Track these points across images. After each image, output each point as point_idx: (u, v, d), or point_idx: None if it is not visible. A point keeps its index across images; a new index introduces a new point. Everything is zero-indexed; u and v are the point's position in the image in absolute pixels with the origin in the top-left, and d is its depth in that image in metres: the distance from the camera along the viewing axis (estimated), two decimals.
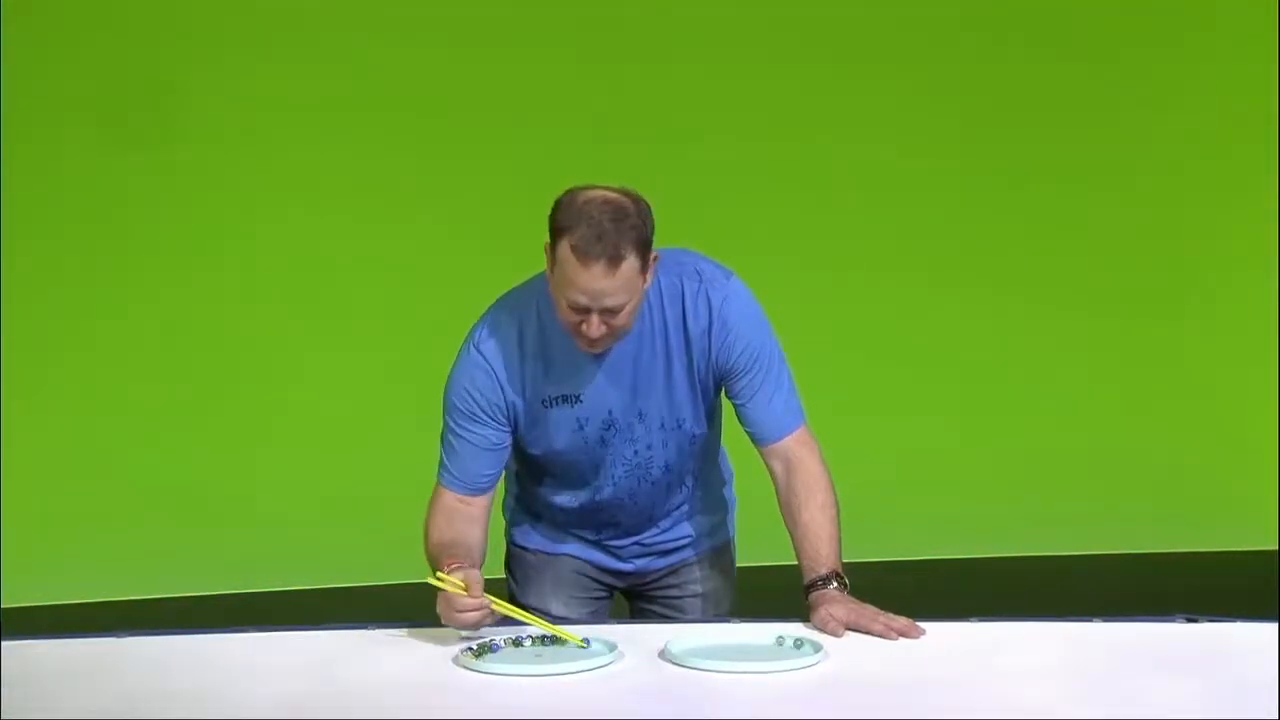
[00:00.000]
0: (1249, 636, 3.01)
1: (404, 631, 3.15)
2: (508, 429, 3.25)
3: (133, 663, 3.03)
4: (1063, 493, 6.91)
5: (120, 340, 6.55)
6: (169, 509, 6.45)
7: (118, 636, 3.16)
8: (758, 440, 3.31)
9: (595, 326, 3.07)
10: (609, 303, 3.05)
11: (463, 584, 3.02)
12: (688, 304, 3.23)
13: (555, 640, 3.03)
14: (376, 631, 3.17)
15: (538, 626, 3.07)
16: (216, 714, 2.76)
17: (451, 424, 3.26)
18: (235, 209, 6.60)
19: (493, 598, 3.04)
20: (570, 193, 3.08)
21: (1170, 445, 7.00)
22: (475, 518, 3.26)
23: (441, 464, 3.28)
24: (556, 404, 3.25)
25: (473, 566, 3.10)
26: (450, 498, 3.27)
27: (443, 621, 3.05)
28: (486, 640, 3.01)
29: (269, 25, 6.61)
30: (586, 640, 3.00)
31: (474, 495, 3.26)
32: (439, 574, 3.05)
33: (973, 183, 6.98)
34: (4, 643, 3.05)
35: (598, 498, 3.37)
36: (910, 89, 6.90)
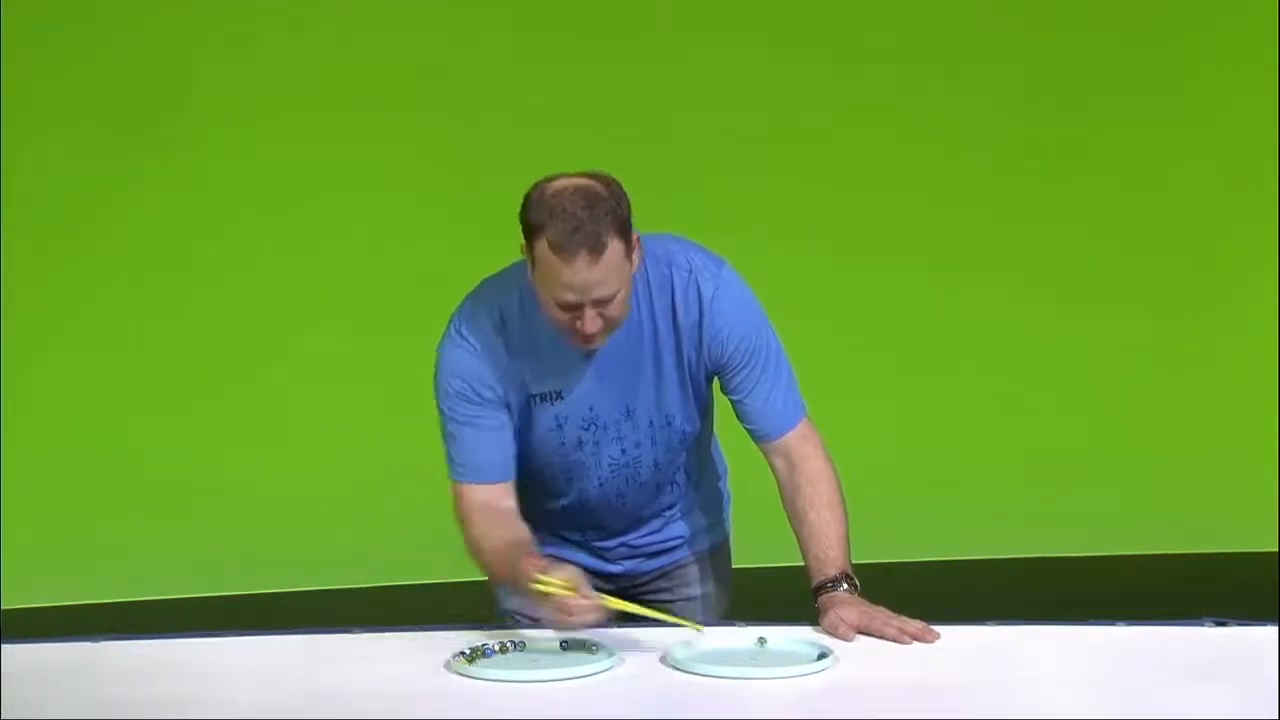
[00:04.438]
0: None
1: (394, 635, 3.07)
2: (507, 411, 3.12)
3: (112, 668, 2.95)
4: (1061, 493, 6.87)
5: (119, 340, 6.51)
6: (163, 511, 6.40)
7: (95, 641, 3.08)
8: (758, 437, 3.20)
9: (590, 321, 2.95)
10: (599, 293, 2.93)
11: (569, 585, 2.88)
12: (677, 295, 3.12)
13: (574, 645, 2.93)
14: (366, 635, 3.09)
15: (654, 617, 2.99)
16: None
17: (451, 414, 3.12)
18: (231, 205, 6.56)
19: (603, 596, 2.92)
20: (537, 187, 2.97)
21: (1170, 445, 6.96)
22: (511, 511, 3.11)
23: (452, 462, 3.13)
24: (538, 401, 3.13)
25: (566, 564, 2.96)
26: (477, 495, 3.11)
27: (552, 626, 2.92)
28: (480, 645, 2.92)
29: (258, 15, 6.55)
30: (701, 628, 2.97)
31: (497, 483, 3.11)
32: (540, 578, 2.89)
33: (970, 175, 6.92)
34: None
35: (583, 499, 3.26)
36: (916, 75, 6.84)
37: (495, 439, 3.11)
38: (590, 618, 2.88)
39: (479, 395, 3.10)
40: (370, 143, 6.56)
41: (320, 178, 6.55)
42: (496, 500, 3.11)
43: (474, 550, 3.11)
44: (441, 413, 3.13)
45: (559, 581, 2.87)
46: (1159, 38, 6.96)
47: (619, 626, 3.19)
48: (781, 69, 6.78)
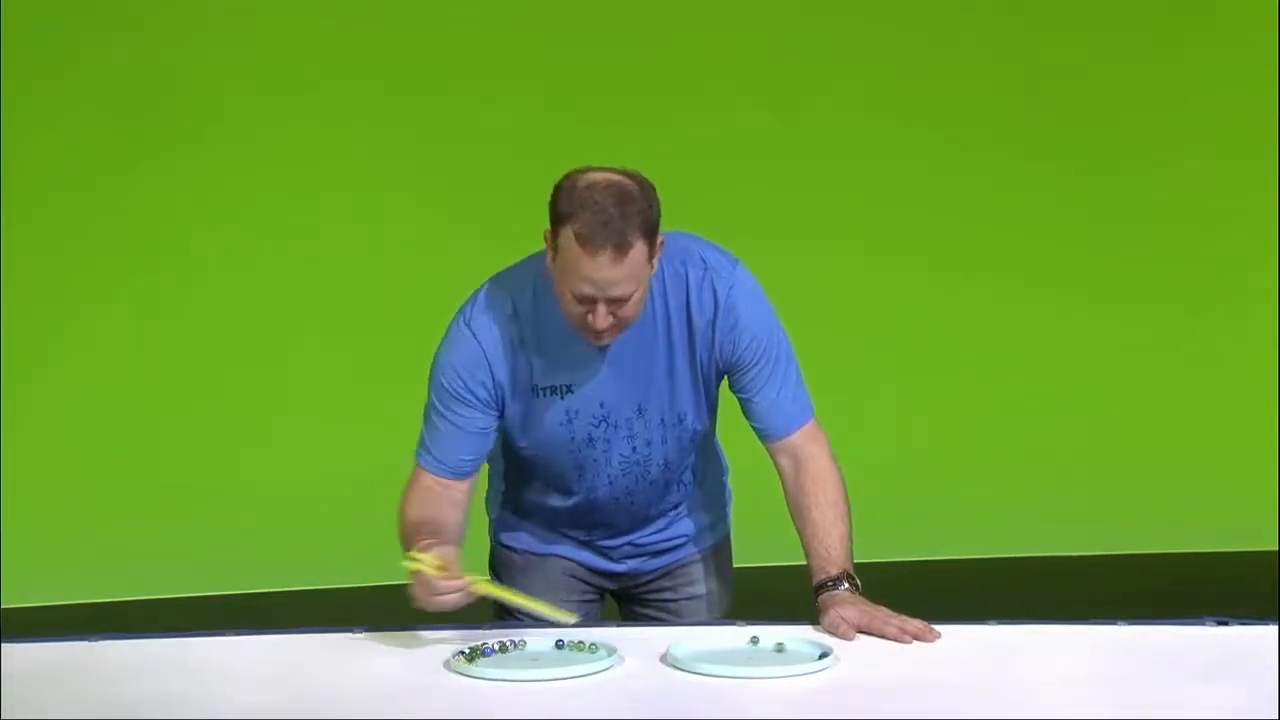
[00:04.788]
0: None
1: (393, 634, 3.05)
2: (495, 413, 3.13)
3: (111, 668, 2.94)
4: (1060, 492, 6.86)
5: (119, 340, 6.50)
6: (162, 511, 6.40)
7: (94, 640, 3.06)
8: (765, 436, 3.20)
9: (602, 317, 2.95)
10: (616, 292, 2.93)
11: (439, 563, 2.90)
12: (692, 293, 3.11)
13: (568, 645, 2.92)
14: (364, 634, 3.07)
15: (523, 605, 3.00)
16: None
17: (437, 403, 3.13)
18: (230, 205, 6.54)
19: (474, 576, 2.93)
20: (570, 177, 2.96)
21: (1170, 445, 6.94)
22: (454, 500, 3.14)
23: (422, 443, 3.16)
24: (546, 394, 3.13)
25: (447, 544, 2.98)
26: (429, 480, 3.14)
27: (418, 605, 2.93)
28: (479, 644, 2.90)
29: (258, 15, 6.54)
30: (577, 622, 2.95)
31: (454, 479, 3.14)
32: (412, 554, 2.92)
33: (970, 175, 6.90)
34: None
35: (592, 496, 3.25)
36: (916, 75, 6.82)
37: (470, 442, 3.13)
38: (453, 599, 2.90)
39: (472, 394, 3.10)
40: (370, 143, 6.54)
41: (320, 178, 6.53)
42: (446, 490, 3.13)
43: (399, 517, 3.13)
44: (430, 397, 3.15)
45: (430, 560, 2.89)
46: (1159, 37, 6.94)
47: (619, 626, 3.20)
48: (782, 68, 6.77)
